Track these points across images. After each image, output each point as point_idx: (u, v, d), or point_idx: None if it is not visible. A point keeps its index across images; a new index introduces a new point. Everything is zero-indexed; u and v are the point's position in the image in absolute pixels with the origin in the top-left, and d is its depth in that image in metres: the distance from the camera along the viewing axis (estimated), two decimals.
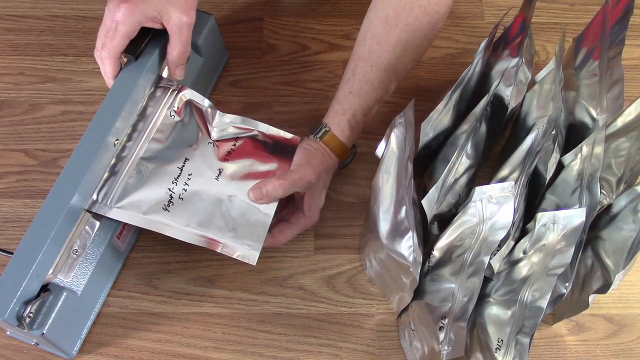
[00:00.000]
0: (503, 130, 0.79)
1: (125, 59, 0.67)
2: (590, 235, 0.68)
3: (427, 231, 0.69)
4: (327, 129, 0.70)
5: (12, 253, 0.60)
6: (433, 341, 0.62)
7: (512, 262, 0.64)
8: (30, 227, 0.60)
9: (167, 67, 0.70)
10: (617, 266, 0.64)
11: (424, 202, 0.64)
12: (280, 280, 0.74)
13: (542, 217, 0.60)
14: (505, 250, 0.64)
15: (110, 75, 0.66)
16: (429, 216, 0.66)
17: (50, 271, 0.62)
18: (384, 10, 0.69)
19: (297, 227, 0.70)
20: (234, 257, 0.64)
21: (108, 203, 0.64)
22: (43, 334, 0.63)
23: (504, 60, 0.73)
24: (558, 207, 0.67)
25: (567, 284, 0.65)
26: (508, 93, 0.72)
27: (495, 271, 0.65)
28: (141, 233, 0.75)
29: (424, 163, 0.75)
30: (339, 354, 0.71)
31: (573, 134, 0.73)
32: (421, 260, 0.61)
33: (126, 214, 0.64)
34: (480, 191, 0.58)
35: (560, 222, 0.60)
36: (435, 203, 0.66)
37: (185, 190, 0.66)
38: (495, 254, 0.64)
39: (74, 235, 0.63)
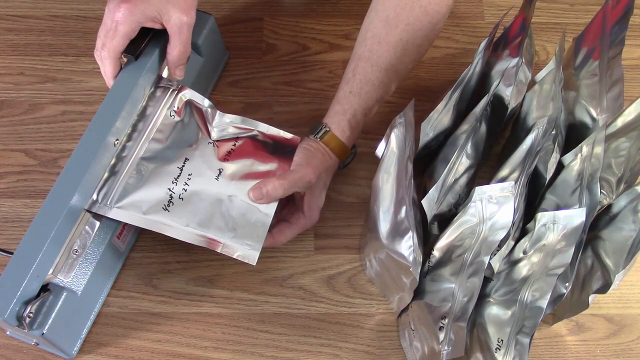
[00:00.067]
0: (503, 130, 0.79)
1: (125, 59, 0.67)
2: (590, 235, 0.68)
3: (427, 231, 0.69)
4: (327, 129, 0.69)
5: (12, 253, 0.60)
6: (433, 341, 0.62)
7: (512, 262, 0.64)
8: (30, 227, 0.60)
9: (167, 67, 0.70)
10: (617, 266, 0.64)
11: (424, 202, 0.64)
12: (280, 280, 0.74)
13: (542, 217, 0.60)
14: (505, 250, 0.64)
15: (110, 75, 0.66)
16: (429, 216, 0.66)
17: (50, 271, 0.62)
18: (385, 11, 0.69)
19: (297, 227, 0.70)
20: (234, 257, 0.64)
21: (108, 203, 0.64)
22: (43, 334, 0.63)
23: (504, 60, 0.73)
24: (558, 207, 0.67)
25: (567, 284, 0.65)
26: (508, 93, 0.72)
27: (495, 271, 0.65)
28: (141, 233, 0.75)
29: (424, 163, 0.75)
30: (339, 354, 0.71)
31: (573, 134, 0.73)
32: (421, 260, 0.61)
33: (126, 214, 0.64)
34: (480, 191, 0.58)
35: (560, 222, 0.60)
36: (435, 203, 0.66)
37: (185, 190, 0.66)
38: (495, 254, 0.64)
39: (74, 235, 0.63)
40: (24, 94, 0.82)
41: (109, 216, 0.64)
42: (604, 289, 0.64)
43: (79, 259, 0.64)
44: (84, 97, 0.82)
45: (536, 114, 0.73)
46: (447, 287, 0.62)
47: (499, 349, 0.63)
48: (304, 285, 0.74)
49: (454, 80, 0.71)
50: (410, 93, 0.84)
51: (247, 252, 0.64)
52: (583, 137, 0.67)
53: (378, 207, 0.63)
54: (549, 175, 0.67)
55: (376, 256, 0.69)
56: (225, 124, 0.71)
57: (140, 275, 0.74)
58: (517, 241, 0.64)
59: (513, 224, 0.64)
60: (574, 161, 0.66)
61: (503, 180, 0.65)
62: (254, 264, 0.64)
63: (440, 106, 0.70)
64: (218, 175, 0.68)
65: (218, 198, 0.67)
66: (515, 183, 0.64)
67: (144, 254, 0.75)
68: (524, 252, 0.63)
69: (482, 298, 0.66)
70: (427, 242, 0.68)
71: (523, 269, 0.63)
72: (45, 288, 0.62)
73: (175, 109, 0.69)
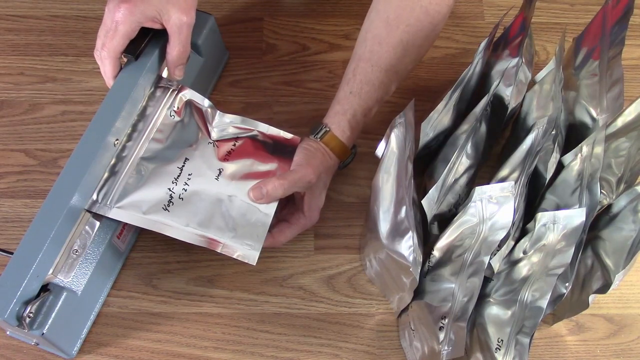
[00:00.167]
0: (503, 130, 0.79)
1: (125, 59, 0.67)
2: (590, 235, 0.68)
3: (427, 231, 0.69)
4: (327, 129, 0.69)
5: (12, 253, 0.60)
6: (433, 341, 0.62)
7: (512, 262, 0.64)
8: (30, 227, 0.60)
9: (166, 67, 0.70)
10: (617, 266, 0.64)
11: (424, 202, 0.64)
12: (280, 280, 0.74)
13: (542, 217, 0.60)
14: (505, 250, 0.64)
15: (110, 75, 0.66)
16: (429, 216, 0.66)
17: (50, 271, 0.62)
18: (385, 11, 0.69)
19: (297, 227, 0.70)
20: (234, 257, 0.64)
21: (108, 203, 0.64)
22: (43, 334, 0.63)
23: (504, 60, 0.73)
24: (558, 207, 0.67)
25: (567, 284, 0.65)
26: (508, 93, 0.72)
27: (495, 271, 0.65)
28: (141, 233, 0.75)
29: (424, 163, 0.75)
30: (339, 354, 0.71)
31: (573, 134, 0.73)
32: (421, 260, 0.61)
33: (126, 213, 0.64)
34: (480, 191, 0.58)
35: (560, 222, 0.60)
36: (435, 203, 0.66)
37: (185, 190, 0.66)
38: (495, 254, 0.64)
39: (74, 235, 0.63)
40: (24, 94, 0.82)
41: (109, 216, 0.64)
42: (604, 289, 0.64)
43: (79, 259, 0.64)
44: (84, 97, 0.82)
45: (536, 114, 0.73)
46: (447, 287, 0.62)
47: (499, 349, 0.63)
48: (304, 285, 0.74)
49: (454, 80, 0.71)
50: (410, 93, 0.84)
51: (247, 252, 0.64)
52: (583, 137, 0.67)
53: (378, 207, 0.63)
54: (549, 175, 0.67)
55: (376, 256, 0.69)
56: (225, 124, 0.71)
57: (140, 275, 0.74)
58: (517, 241, 0.64)
59: (513, 224, 0.64)
60: (574, 161, 0.66)
61: (503, 180, 0.65)
62: (254, 264, 0.64)
63: (440, 106, 0.70)
64: (218, 175, 0.68)
65: (218, 198, 0.67)
66: (515, 183, 0.64)
67: (144, 254, 0.75)
68: (524, 252, 0.63)
69: (482, 298, 0.66)
70: (427, 242, 0.68)
71: (523, 269, 0.63)
72: (45, 288, 0.62)
73: (175, 109, 0.69)
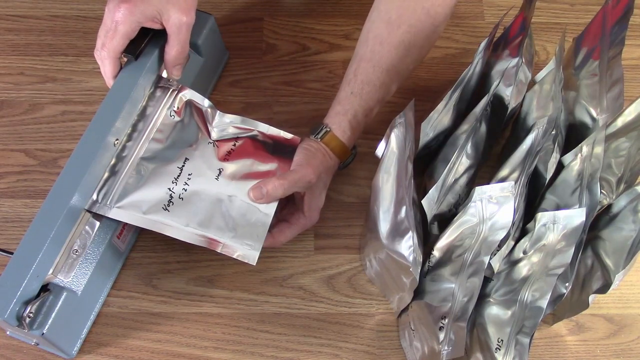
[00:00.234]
0: (503, 130, 0.79)
1: (125, 59, 0.67)
2: (590, 235, 0.68)
3: (427, 231, 0.69)
4: (328, 129, 0.70)
5: (12, 253, 0.60)
6: (433, 341, 0.62)
7: (512, 262, 0.64)
8: (30, 227, 0.60)
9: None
10: (617, 266, 0.64)
11: (424, 202, 0.64)
12: (280, 280, 0.74)
13: (542, 217, 0.60)
14: (505, 250, 0.64)
15: (110, 75, 0.66)
16: (429, 216, 0.66)
17: (50, 271, 0.62)
18: (387, 12, 0.69)
19: (297, 227, 0.70)
20: (234, 257, 0.64)
21: (108, 203, 0.64)
22: (43, 334, 0.63)
23: (504, 60, 0.73)
24: (558, 207, 0.67)
25: (567, 284, 0.65)
26: (508, 93, 0.72)
27: (495, 271, 0.65)
28: (141, 233, 0.75)
29: (424, 163, 0.75)
30: (339, 354, 0.71)
31: (573, 134, 0.73)
32: (421, 260, 0.61)
33: (126, 213, 0.64)
34: (480, 191, 0.58)
35: (560, 222, 0.60)
36: (435, 203, 0.66)
37: (185, 190, 0.66)
38: (495, 254, 0.64)
39: (74, 235, 0.63)
40: (24, 94, 0.82)
41: (109, 216, 0.64)
42: (604, 289, 0.64)
43: (79, 259, 0.64)
44: (84, 97, 0.82)
45: (536, 114, 0.73)
46: (447, 287, 0.62)
47: (499, 349, 0.63)
48: (304, 285, 0.74)
49: (454, 80, 0.71)
50: (410, 93, 0.84)
51: (247, 252, 0.64)
52: (583, 137, 0.67)
53: (378, 207, 0.63)
54: (549, 175, 0.67)
55: (376, 256, 0.69)
56: (225, 124, 0.71)
57: (140, 275, 0.74)
58: (517, 241, 0.64)
59: (513, 224, 0.64)
60: (574, 161, 0.66)
61: (503, 180, 0.65)
62: (254, 264, 0.64)
63: (440, 106, 0.70)
64: (218, 175, 0.68)
65: (218, 198, 0.67)
66: (515, 183, 0.64)
67: (144, 254, 0.75)
68: (524, 252, 0.63)
69: (482, 298, 0.66)
70: (427, 242, 0.68)
71: (523, 269, 0.63)
72: (45, 288, 0.62)
73: (175, 109, 0.69)
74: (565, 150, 0.68)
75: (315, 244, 0.76)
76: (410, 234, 0.60)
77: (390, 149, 0.61)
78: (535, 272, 0.62)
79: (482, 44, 0.71)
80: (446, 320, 0.61)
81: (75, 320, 0.69)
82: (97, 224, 0.64)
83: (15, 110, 0.81)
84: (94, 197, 0.64)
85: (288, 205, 0.72)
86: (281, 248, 0.75)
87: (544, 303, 0.62)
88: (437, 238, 0.62)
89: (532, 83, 0.74)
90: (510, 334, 0.63)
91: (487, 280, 0.66)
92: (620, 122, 0.67)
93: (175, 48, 0.67)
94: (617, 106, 0.72)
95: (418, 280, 0.61)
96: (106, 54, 0.65)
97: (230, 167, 0.69)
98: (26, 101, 0.82)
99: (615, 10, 0.70)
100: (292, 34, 0.88)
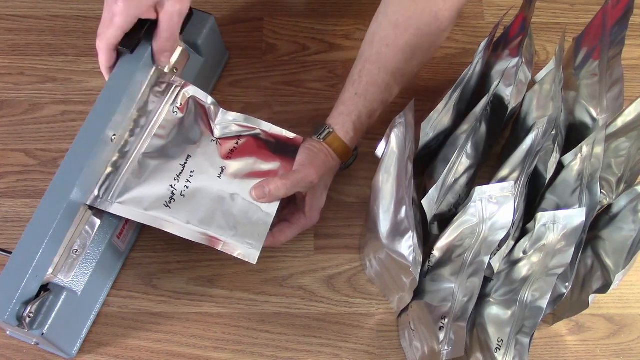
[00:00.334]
0: (503, 130, 0.79)
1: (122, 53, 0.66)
2: (590, 235, 0.68)
3: (427, 231, 0.69)
4: (331, 130, 0.70)
5: (11, 253, 0.60)
6: (433, 341, 0.62)
7: (512, 262, 0.64)
8: (29, 226, 0.60)
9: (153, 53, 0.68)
10: (617, 266, 0.64)
11: (424, 202, 0.64)
12: (280, 280, 0.74)
13: (542, 217, 0.60)
14: (505, 250, 0.64)
15: (104, 65, 0.66)
16: (429, 216, 0.66)
17: (50, 271, 0.61)
18: (394, 14, 0.69)
19: (297, 227, 0.70)
20: (234, 255, 0.64)
21: (109, 198, 0.64)
22: (43, 334, 0.63)
23: (504, 60, 0.73)
24: (558, 207, 0.67)
25: (567, 284, 0.65)
26: (508, 93, 0.72)
27: (495, 271, 0.65)
28: (141, 233, 0.75)
29: (424, 163, 0.75)
30: (339, 354, 0.71)
31: (573, 134, 0.73)
32: (421, 260, 0.61)
33: (127, 209, 0.64)
34: (480, 191, 0.58)
35: (560, 222, 0.60)
36: (435, 203, 0.66)
37: (187, 188, 0.66)
38: (495, 254, 0.64)
39: (74, 235, 0.63)
40: (24, 94, 0.82)
41: (110, 211, 0.63)
42: (604, 289, 0.64)
43: (79, 259, 0.64)
44: (84, 97, 0.82)
45: (536, 114, 0.73)
46: (447, 287, 0.62)
47: (499, 349, 0.63)
48: (304, 285, 0.74)
49: (454, 80, 0.71)
50: (410, 93, 0.84)
51: (247, 250, 0.64)
52: (583, 137, 0.67)
53: (378, 207, 0.63)
54: (549, 175, 0.67)
55: (376, 256, 0.69)
56: (228, 121, 0.71)
57: (140, 275, 0.74)
58: (517, 241, 0.64)
59: (513, 224, 0.64)
60: (574, 161, 0.66)
61: (503, 180, 0.65)
62: (254, 263, 0.64)
63: (440, 106, 0.70)
64: (220, 173, 0.68)
65: (220, 196, 0.67)
66: (515, 183, 0.64)
67: (144, 254, 0.75)
68: (524, 252, 0.63)
69: (482, 298, 0.66)
70: (427, 242, 0.68)
71: (523, 269, 0.63)
72: (45, 288, 0.62)
73: (178, 105, 0.69)
74: (565, 150, 0.68)
75: (315, 244, 0.76)
76: (410, 234, 0.60)
77: (390, 149, 0.61)
78: (535, 272, 0.62)
79: (482, 44, 0.71)
80: (446, 320, 0.61)
81: (75, 320, 0.69)
82: (97, 223, 0.64)
83: (15, 110, 0.81)
84: (95, 192, 0.64)
85: (289, 205, 0.71)
86: (281, 248, 0.75)
87: (544, 303, 0.62)
88: (437, 238, 0.62)
89: (532, 83, 0.74)
90: (510, 333, 0.63)
91: (487, 280, 0.66)
92: (620, 122, 0.67)
93: (164, 34, 0.66)
94: (617, 106, 0.72)
95: (418, 280, 0.61)
96: (100, 44, 0.64)
97: (233, 165, 0.69)
98: (26, 101, 0.82)
99: (615, 10, 0.70)
100: (292, 34, 0.88)
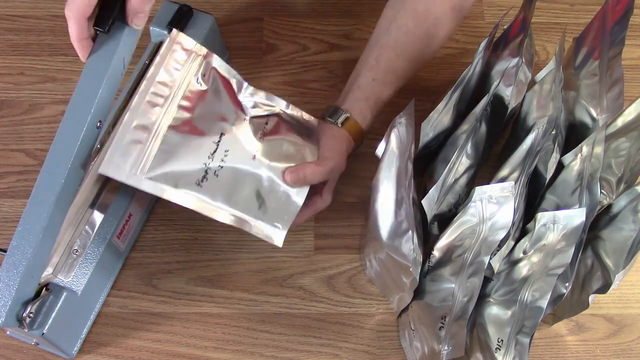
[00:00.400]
0: (503, 130, 0.79)
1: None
2: (590, 235, 0.68)
3: (427, 231, 0.69)
4: (348, 115, 0.69)
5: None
6: (433, 341, 0.62)
7: (512, 262, 0.64)
8: (21, 222, 0.57)
9: (127, 13, 0.61)
10: (617, 266, 0.64)
11: (424, 202, 0.64)
12: (280, 280, 0.74)
13: (542, 217, 0.60)
14: (505, 250, 0.64)
15: (74, 37, 0.60)
16: (429, 216, 0.66)
17: (50, 271, 0.61)
18: (413, 3, 0.70)
19: (312, 209, 0.69)
20: (260, 237, 0.63)
21: (138, 173, 0.59)
22: (43, 334, 0.63)
23: (504, 60, 0.73)
24: (558, 207, 0.67)
25: (567, 284, 0.65)
26: (508, 93, 0.72)
27: (495, 271, 0.65)
28: (141, 232, 0.75)
29: (424, 163, 0.75)
30: (339, 354, 0.71)
31: (573, 134, 0.73)
32: (421, 260, 0.61)
33: (156, 186, 0.60)
34: (480, 191, 0.58)
35: (560, 222, 0.60)
36: (435, 203, 0.66)
37: (222, 167, 0.63)
38: (495, 254, 0.64)
39: (74, 235, 0.63)
40: (24, 94, 0.82)
41: (141, 188, 0.59)
42: (604, 289, 0.64)
43: (79, 259, 0.64)
44: None
45: (536, 114, 0.73)
46: (447, 287, 0.62)
47: (499, 349, 0.63)
48: (304, 285, 0.74)
49: (454, 80, 0.71)
50: (410, 93, 0.84)
51: (275, 232, 0.64)
52: (583, 137, 0.67)
53: (378, 207, 0.63)
54: (549, 175, 0.67)
55: (376, 256, 0.69)
56: (252, 99, 0.69)
57: (140, 275, 0.74)
58: (517, 241, 0.64)
59: (513, 224, 0.64)
60: (574, 161, 0.66)
61: (503, 180, 0.65)
62: (280, 245, 0.63)
63: (440, 106, 0.70)
64: (254, 155, 0.66)
65: (254, 177, 0.65)
66: (515, 183, 0.64)
67: (144, 254, 0.75)
68: (524, 252, 0.63)
69: (482, 298, 0.66)
70: (427, 242, 0.68)
71: (523, 269, 0.63)
72: (45, 288, 0.62)
73: (202, 75, 0.66)
74: (565, 150, 0.68)
75: (315, 244, 0.76)
76: (410, 234, 0.60)
77: (390, 149, 0.61)
78: (535, 272, 0.62)
79: (482, 44, 0.71)
80: (446, 320, 0.61)
81: (75, 320, 0.69)
82: (98, 223, 0.64)
83: (15, 110, 0.81)
84: (124, 166, 0.59)
85: None
86: (281, 248, 0.74)
87: (544, 303, 0.62)
88: (437, 238, 0.62)
89: (532, 83, 0.74)
90: (510, 334, 0.63)
91: (487, 280, 0.66)
92: (620, 122, 0.67)
93: None
94: (617, 106, 0.72)
95: (418, 280, 0.61)
96: (69, 13, 0.58)
97: (265, 146, 0.66)
98: (26, 101, 0.82)
99: (615, 10, 0.70)
100: (292, 34, 0.88)
